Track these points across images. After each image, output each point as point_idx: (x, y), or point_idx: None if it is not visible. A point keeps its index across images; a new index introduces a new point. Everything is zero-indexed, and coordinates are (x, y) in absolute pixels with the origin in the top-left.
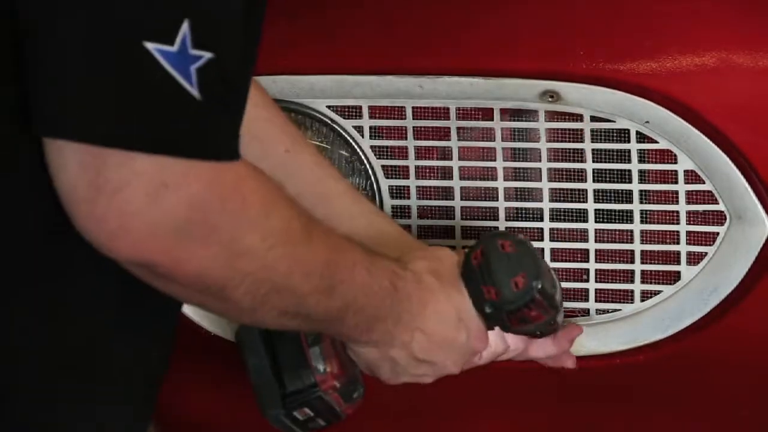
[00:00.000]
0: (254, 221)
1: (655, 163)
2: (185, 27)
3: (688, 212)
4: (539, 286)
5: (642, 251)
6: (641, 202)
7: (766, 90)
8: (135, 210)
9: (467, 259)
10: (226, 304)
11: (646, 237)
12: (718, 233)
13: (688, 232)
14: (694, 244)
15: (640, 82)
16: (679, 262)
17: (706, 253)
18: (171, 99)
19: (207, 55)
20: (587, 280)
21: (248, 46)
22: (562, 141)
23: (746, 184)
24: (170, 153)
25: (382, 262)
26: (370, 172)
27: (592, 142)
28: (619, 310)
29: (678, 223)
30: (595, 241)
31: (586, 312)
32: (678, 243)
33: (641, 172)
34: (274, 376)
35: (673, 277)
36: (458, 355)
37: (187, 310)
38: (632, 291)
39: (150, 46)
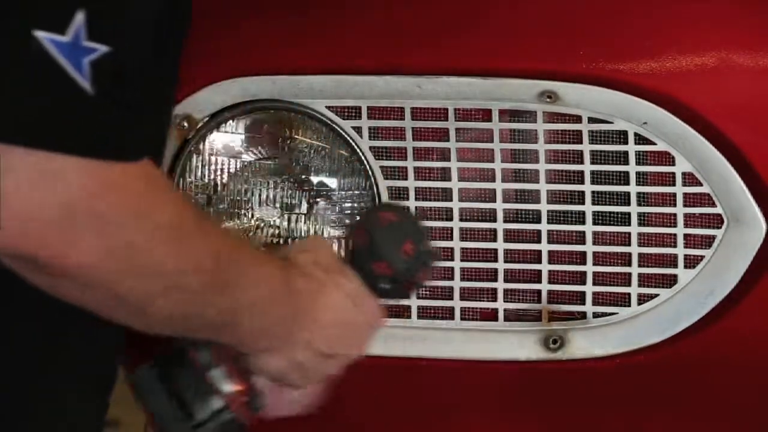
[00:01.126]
0: (140, 216)
1: (653, 165)
2: (80, 17)
3: (686, 215)
4: (427, 249)
5: (639, 254)
6: (639, 205)
7: (766, 90)
8: (14, 201)
9: (350, 241)
10: (113, 301)
11: (643, 240)
12: (715, 236)
13: (686, 235)
14: (691, 247)
15: (639, 82)
16: (676, 266)
17: (703, 257)
18: (59, 91)
19: (103, 48)
20: (584, 283)
21: (163, 45)
22: (560, 142)
23: (744, 187)
24: (52, 147)
25: (273, 260)
26: (369, 172)
27: (591, 143)
28: (616, 313)
29: (675, 226)
30: (593, 244)
31: (583, 315)
32: (675, 246)
33: (639, 174)
34: (180, 411)
35: (671, 281)
36: (361, 339)
37: None
38: (629, 294)
39: (40, 34)
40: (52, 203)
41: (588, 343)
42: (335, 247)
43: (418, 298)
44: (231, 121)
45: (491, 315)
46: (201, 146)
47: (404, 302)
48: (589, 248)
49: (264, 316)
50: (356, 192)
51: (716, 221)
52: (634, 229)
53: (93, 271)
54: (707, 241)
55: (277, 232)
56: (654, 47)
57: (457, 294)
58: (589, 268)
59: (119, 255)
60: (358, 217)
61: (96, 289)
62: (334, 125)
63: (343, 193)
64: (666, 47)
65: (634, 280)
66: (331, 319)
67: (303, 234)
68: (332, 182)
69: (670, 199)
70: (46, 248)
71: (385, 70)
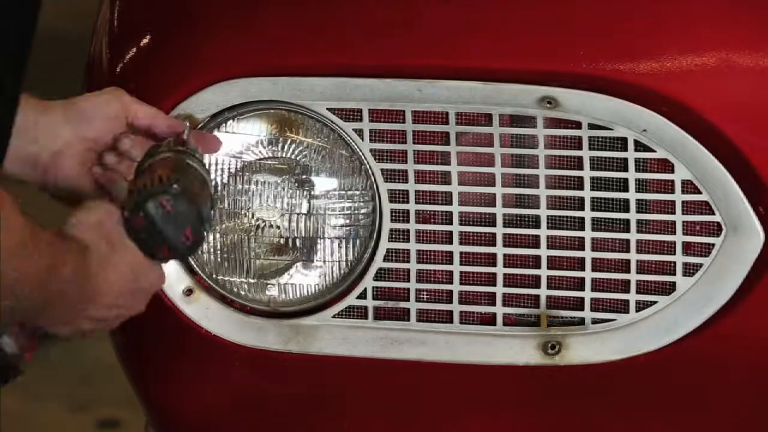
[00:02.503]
0: None
1: (653, 172)
2: None
3: (685, 222)
4: (206, 231)
5: (638, 261)
6: (638, 212)
7: (766, 90)
8: None
9: (130, 221)
10: None
11: (642, 247)
12: (713, 244)
13: (684, 243)
14: (690, 255)
15: (639, 82)
16: (674, 273)
17: (702, 265)
18: None
19: None
20: (583, 289)
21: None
22: (560, 148)
23: (742, 195)
24: None
25: (43, 241)
26: (369, 174)
27: (590, 149)
28: (615, 320)
29: (674, 234)
30: (592, 250)
31: (581, 321)
32: (674, 254)
33: (638, 181)
34: None
35: (669, 288)
36: (142, 301)
37: (187, 310)
38: (628, 301)
39: None
40: None
41: (586, 349)
42: (116, 214)
43: (417, 301)
44: (231, 122)
45: (490, 319)
46: None
47: (403, 305)
48: (588, 254)
49: (33, 304)
50: (356, 192)
51: (715, 229)
52: (633, 236)
53: None
54: (706, 249)
55: (277, 232)
56: (654, 47)
57: (456, 298)
58: (588, 274)
59: None
60: (135, 180)
61: None
62: (334, 127)
63: (343, 193)
64: (666, 47)
65: (633, 286)
66: (113, 290)
67: (303, 234)
68: (332, 182)
69: (669, 207)
70: None
71: (386, 71)
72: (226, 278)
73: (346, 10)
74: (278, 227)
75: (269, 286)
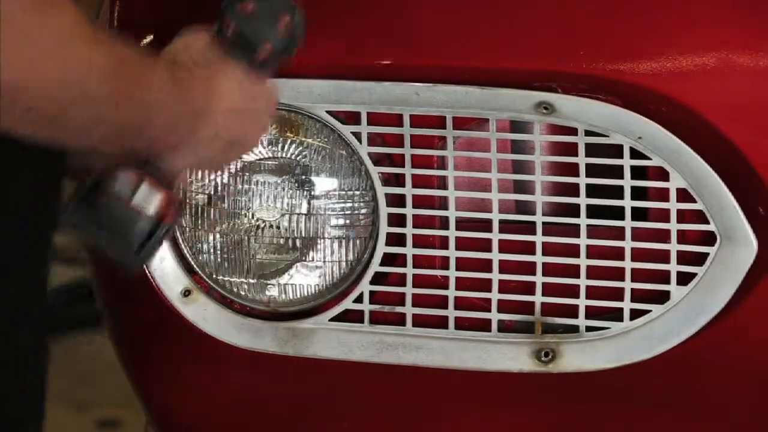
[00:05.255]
0: (43, 25)
1: (648, 180)
2: None
3: (680, 231)
4: (301, 15)
5: (633, 269)
6: (633, 219)
7: (767, 90)
8: None
9: (222, 36)
10: (29, 114)
11: (637, 255)
12: (708, 254)
13: (679, 252)
14: (684, 264)
15: (639, 82)
16: (669, 282)
17: (696, 274)
18: None
19: None
20: (578, 297)
21: None
22: (556, 154)
23: (736, 205)
24: None
25: (160, 60)
26: (368, 178)
27: (587, 156)
28: (609, 328)
29: (669, 242)
30: (587, 257)
31: (575, 329)
32: (668, 262)
33: (633, 189)
34: (116, 240)
35: (663, 297)
36: (260, 122)
37: (185, 311)
38: (622, 309)
39: None
40: None
41: (579, 357)
42: (207, 38)
43: (414, 305)
44: None
45: (485, 325)
46: None
47: (399, 310)
48: (583, 262)
49: (168, 118)
50: (356, 192)
51: (709, 239)
52: (627, 244)
53: (13, 86)
54: (700, 259)
55: (277, 232)
56: (654, 48)
57: (451, 303)
58: (583, 282)
59: (28, 64)
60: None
61: (16, 107)
62: (333, 130)
63: (343, 193)
64: (666, 48)
65: (627, 295)
66: (229, 107)
67: (303, 234)
68: (332, 183)
69: (664, 215)
70: None
71: (385, 73)
72: (226, 278)
73: (346, 12)
74: (278, 227)
75: (269, 286)
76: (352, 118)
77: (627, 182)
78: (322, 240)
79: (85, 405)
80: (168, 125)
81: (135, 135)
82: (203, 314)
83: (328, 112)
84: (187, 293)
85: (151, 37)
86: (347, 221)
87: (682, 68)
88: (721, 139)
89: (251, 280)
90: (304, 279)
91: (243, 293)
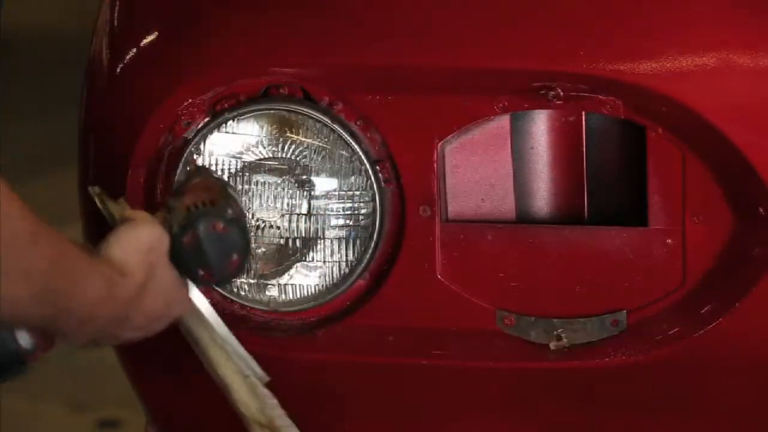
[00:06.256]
0: None
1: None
2: None
3: None
4: (248, 262)
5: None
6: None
7: (766, 90)
8: None
9: (178, 238)
10: None
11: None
12: None
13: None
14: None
15: (639, 82)
16: None
17: None
18: None
19: None
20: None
21: None
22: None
23: None
24: None
25: (100, 267)
26: (370, 172)
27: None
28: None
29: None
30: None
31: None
32: None
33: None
34: None
35: None
36: (165, 323)
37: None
38: None
39: None
40: None
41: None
42: (165, 238)
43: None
44: (231, 122)
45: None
46: (201, 146)
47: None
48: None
49: (82, 321)
50: (356, 192)
51: None
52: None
53: None
54: None
55: (277, 232)
56: (654, 48)
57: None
58: None
59: None
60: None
61: None
62: (333, 130)
63: (343, 193)
64: (666, 47)
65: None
66: (146, 318)
67: (303, 234)
68: (332, 182)
69: None
70: None
71: (386, 71)
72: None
73: (345, 12)
74: (278, 227)
75: (269, 286)
76: (352, 116)
77: None
78: (322, 240)
79: (85, 405)
80: (86, 320)
81: (48, 321)
82: None
83: (328, 111)
84: None
85: (149, 37)
86: (347, 221)
87: (682, 68)
88: (721, 139)
89: (251, 281)
90: (304, 279)
91: (243, 293)
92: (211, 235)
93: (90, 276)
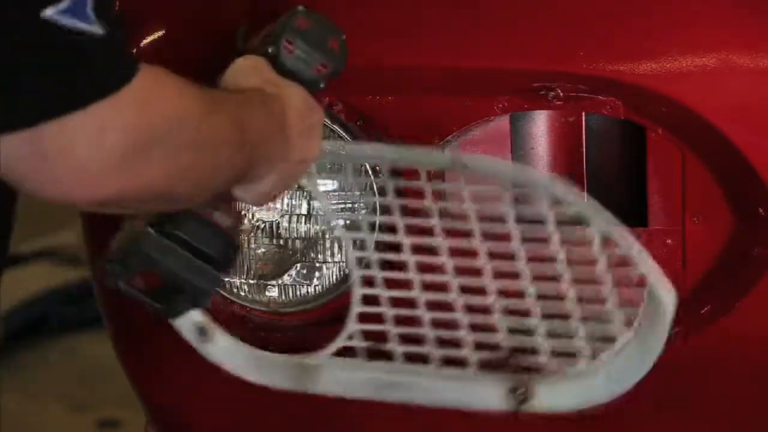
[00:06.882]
0: (182, 117)
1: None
2: None
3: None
4: (344, 35)
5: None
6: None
7: (766, 90)
8: (85, 163)
9: (279, 55)
10: (170, 202)
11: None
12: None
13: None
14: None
15: (639, 83)
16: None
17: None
18: (83, 50)
19: None
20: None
21: None
22: None
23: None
24: (98, 98)
25: (253, 97)
26: (370, 172)
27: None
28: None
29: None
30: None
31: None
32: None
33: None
34: (199, 258)
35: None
36: (319, 135)
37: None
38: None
39: (48, 13)
40: (120, 143)
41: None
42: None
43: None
44: None
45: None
46: None
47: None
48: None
49: (266, 147)
50: (356, 192)
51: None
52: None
53: (159, 186)
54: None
55: (277, 232)
56: (654, 47)
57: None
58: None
59: (178, 159)
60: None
61: (161, 200)
62: (333, 128)
63: (343, 193)
64: (666, 47)
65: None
66: (299, 129)
67: (303, 235)
68: (332, 183)
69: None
70: (123, 186)
71: (386, 71)
72: (226, 279)
73: (345, 13)
74: (278, 228)
75: (269, 287)
76: (352, 115)
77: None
78: (321, 241)
79: (85, 405)
80: (264, 158)
81: (246, 174)
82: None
83: (328, 112)
84: None
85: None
86: (347, 222)
87: (683, 68)
88: (721, 140)
89: (251, 281)
90: (304, 280)
91: (243, 294)
92: (301, 31)
93: (255, 107)
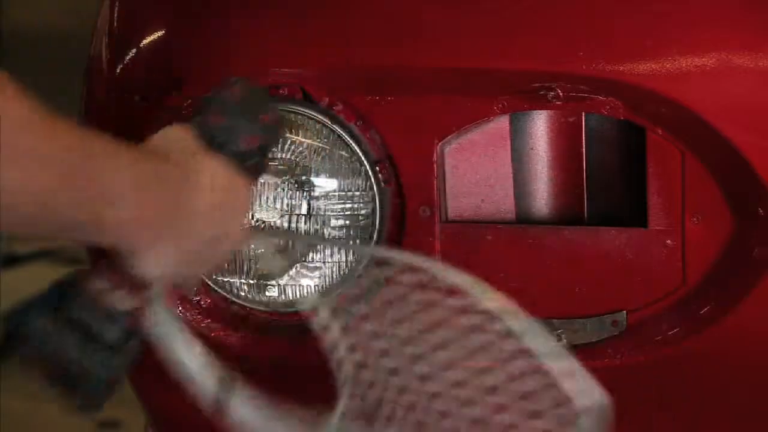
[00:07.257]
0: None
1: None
2: None
3: None
4: (277, 114)
5: None
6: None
7: (766, 91)
8: None
9: (207, 125)
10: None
11: None
12: None
13: None
14: None
15: (639, 83)
16: None
17: None
18: None
19: None
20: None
21: None
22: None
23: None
24: None
25: (134, 150)
26: (370, 172)
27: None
28: None
29: None
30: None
31: None
32: None
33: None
34: (88, 341)
35: None
36: (240, 217)
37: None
38: None
39: None
40: None
41: None
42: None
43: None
44: None
45: None
46: None
47: None
48: None
49: (134, 205)
50: (356, 192)
51: None
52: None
53: None
54: None
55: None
56: (654, 48)
57: None
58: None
59: None
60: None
61: None
62: (333, 130)
63: (343, 194)
64: (666, 48)
65: None
66: (210, 205)
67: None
68: (332, 183)
69: None
70: None
71: (387, 72)
72: (227, 279)
73: (345, 13)
74: (278, 228)
75: (269, 287)
76: (352, 115)
77: None
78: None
79: None
80: (142, 221)
81: (93, 229)
82: None
83: (327, 109)
84: None
85: (149, 38)
86: (347, 222)
87: (682, 69)
88: (721, 140)
89: (251, 281)
90: (304, 280)
91: (243, 294)
92: (231, 102)
93: (122, 155)
